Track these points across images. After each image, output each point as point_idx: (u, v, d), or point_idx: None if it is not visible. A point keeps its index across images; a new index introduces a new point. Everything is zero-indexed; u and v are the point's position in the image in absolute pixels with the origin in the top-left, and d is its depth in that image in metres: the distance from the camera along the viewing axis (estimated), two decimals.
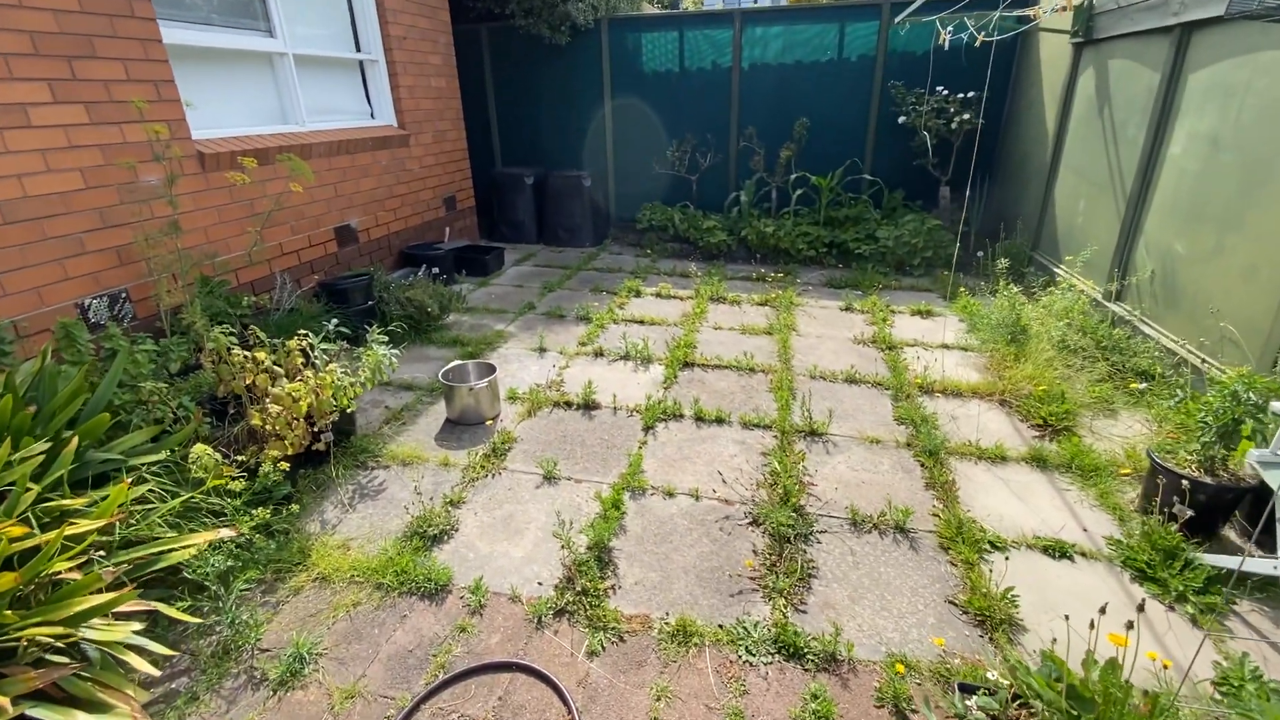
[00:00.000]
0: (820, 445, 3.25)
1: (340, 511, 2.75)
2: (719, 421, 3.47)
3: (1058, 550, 2.50)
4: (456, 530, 2.64)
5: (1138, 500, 2.77)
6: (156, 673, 1.78)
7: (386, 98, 5.80)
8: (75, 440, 2.06)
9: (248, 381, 2.59)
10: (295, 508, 2.48)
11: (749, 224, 6.72)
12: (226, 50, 4.26)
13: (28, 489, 1.88)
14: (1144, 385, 3.53)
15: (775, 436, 3.32)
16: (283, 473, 2.56)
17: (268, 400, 2.56)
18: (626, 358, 4.26)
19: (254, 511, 2.31)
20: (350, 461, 3.07)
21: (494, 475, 3.00)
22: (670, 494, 2.86)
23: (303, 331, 2.85)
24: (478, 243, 7.08)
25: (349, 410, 2.91)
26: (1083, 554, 2.50)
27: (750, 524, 2.68)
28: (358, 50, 5.53)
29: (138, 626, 1.86)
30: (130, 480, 2.18)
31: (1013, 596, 2.21)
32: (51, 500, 1.94)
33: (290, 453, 2.61)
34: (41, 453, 1.99)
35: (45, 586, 1.73)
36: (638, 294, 5.62)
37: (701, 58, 7.09)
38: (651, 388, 3.85)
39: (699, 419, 3.49)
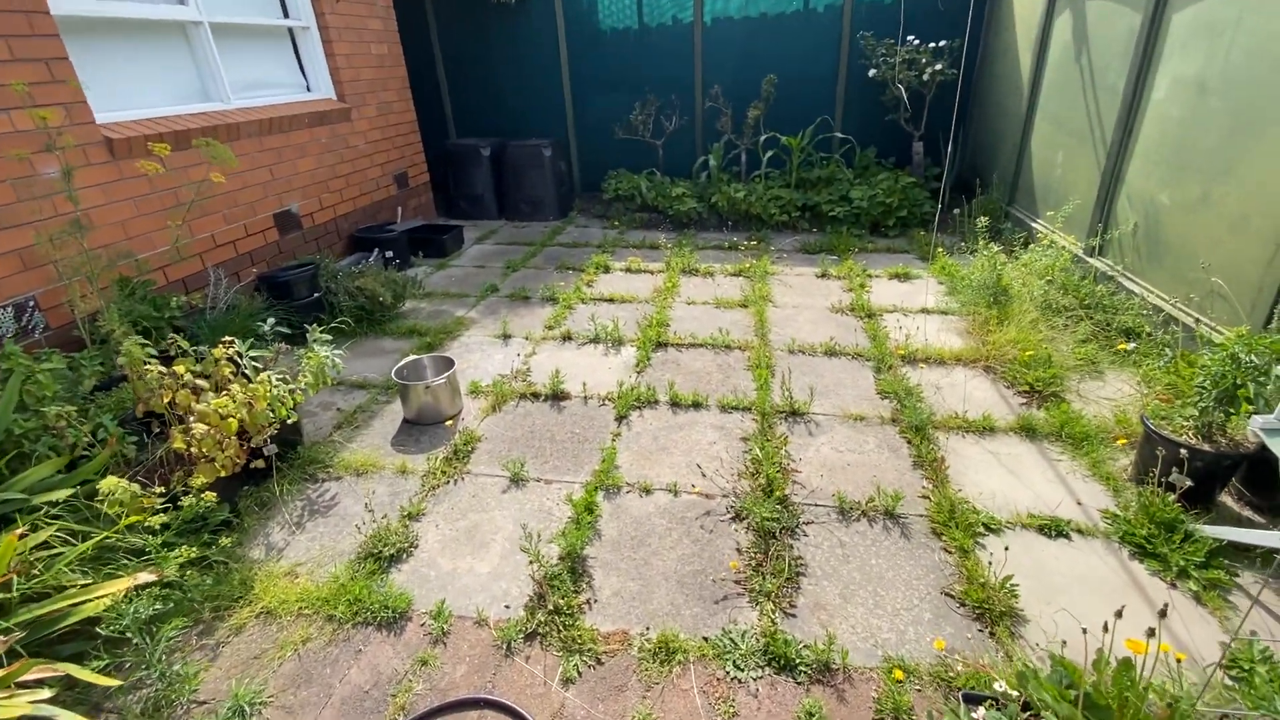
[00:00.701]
0: (802, 426, 3.08)
1: (287, 533, 2.52)
2: (696, 406, 3.28)
3: (1054, 529, 2.38)
4: (416, 547, 2.43)
5: (1131, 469, 2.67)
6: None
7: (322, 68, 5.34)
8: None
9: (166, 400, 2.31)
10: (226, 542, 2.24)
11: (719, 189, 6.45)
12: (131, 20, 3.81)
13: None
14: (1132, 345, 3.42)
15: (755, 419, 3.14)
16: (217, 497, 2.31)
17: (192, 419, 2.29)
18: (596, 340, 4.03)
19: (181, 548, 2.06)
20: (298, 474, 2.82)
21: (456, 481, 2.79)
22: (647, 490, 2.68)
23: (228, 339, 2.55)
24: (435, 221, 6.71)
25: (290, 420, 2.65)
26: (1079, 531, 2.39)
27: (733, 519, 2.51)
28: (285, 16, 5.05)
29: (47, 694, 1.63)
30: (28, 526, 1.92)
31: (1012, 586, 2.09)
32: None
33: (223, 475, 2.35)
34: None
35: None
36: (606, 269, 5.35)
37: (661, 12, 6.69)
38: (624, 372, 3.64)
39: (675, 404, 3.30)
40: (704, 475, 2.75)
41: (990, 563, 2.22)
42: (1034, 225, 5.02)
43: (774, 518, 2.44)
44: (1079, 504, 2.53)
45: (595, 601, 2.18)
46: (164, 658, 1.92)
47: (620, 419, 3.19)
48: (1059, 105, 4.82)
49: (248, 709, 1.83)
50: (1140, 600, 2.09)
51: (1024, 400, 3.24)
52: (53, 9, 3.25)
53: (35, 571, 1.83)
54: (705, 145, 7.09)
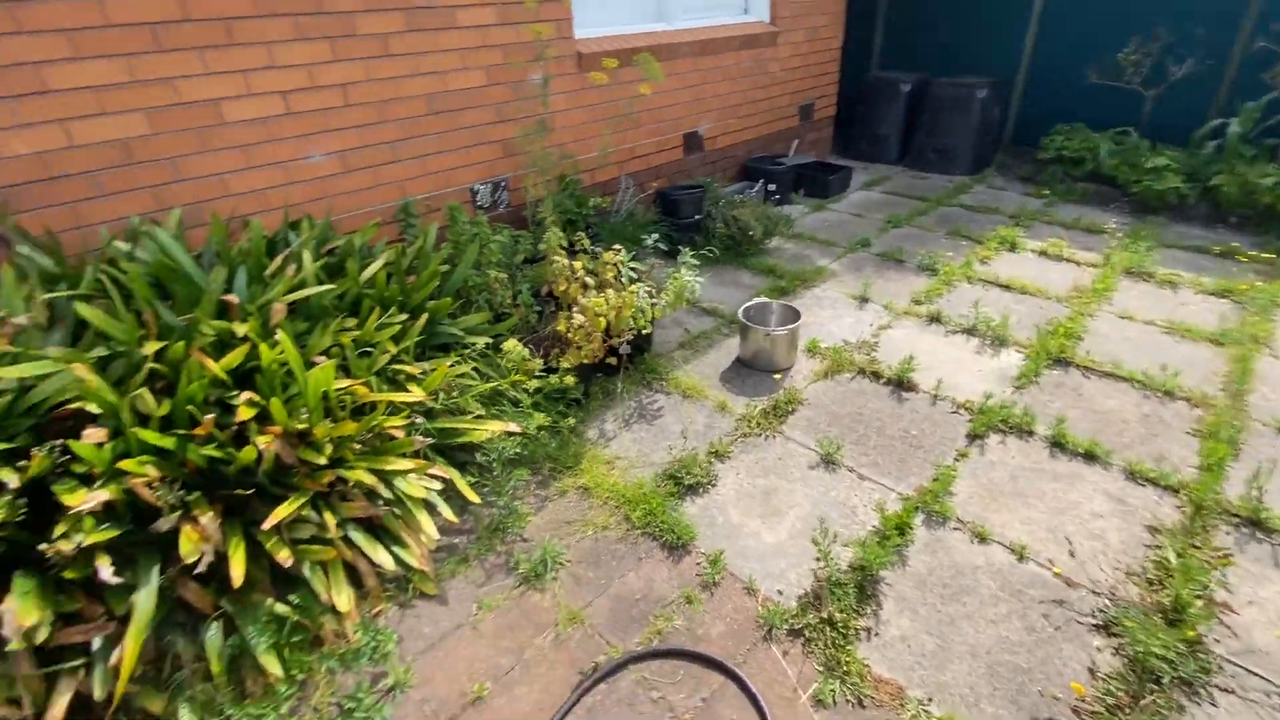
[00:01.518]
0: (1265, 548, 2.08)
1: (618, 426, 2.81)
2: (1089, 457, 2.49)
3: None
4: (713, 486, 2.45)
5: None
6: (435, 536, 2.06)
7: None
8: (425, 317, 2.41)
9: (561, 289, 2.71)
10: (571, 421, 2.60)
11: (1230, 167, 4.56)
12: None
13: (385, 352, 2.27)
14: None
15: (1182, 509, 2.24)
16: (576, 379, 2.67)
17: (575, 310, 2.65)
18: (971, 332, 3.37)
19: (540, 414, 2.47)
20: (638, 379, 3.10)
21: (767, 437, 2.70)
22: (982, 538, 2.17)
23: (617, 246, 2.85)
24: (826, 159, 6.39)
25: (645, 331, 2.89)
26: None
27: (1096, 628, 1.87)
28: None
29: (438, 486, 2.16)
30: (457, 359, 2.50)
31: None
32: (402, 363, 2.33)
33: (586, 362, 2.71)
34: (399, 323, 2.39)
35: (376, 438, 2.10)
36: (1012, 247, 4.38)
37: None
38: (997, 381, 2.97)
39: (1057, 445, 2.57)
40: (1072, 554, 2.09)
41: None
42: None
43: (1168, 657, 1.72)
44: None
45: (875, 634, 1.89)
46: (510, 493, 2.37)
47: (974, 438, 2.63)
48: None
49: (550, 563, 2.14)
50: None
51: None
52: None
53: (453, 394, 2.40)
54: (1230, 104, 5.03)
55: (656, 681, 1.80)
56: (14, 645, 1.44)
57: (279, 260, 2.48)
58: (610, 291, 2.62)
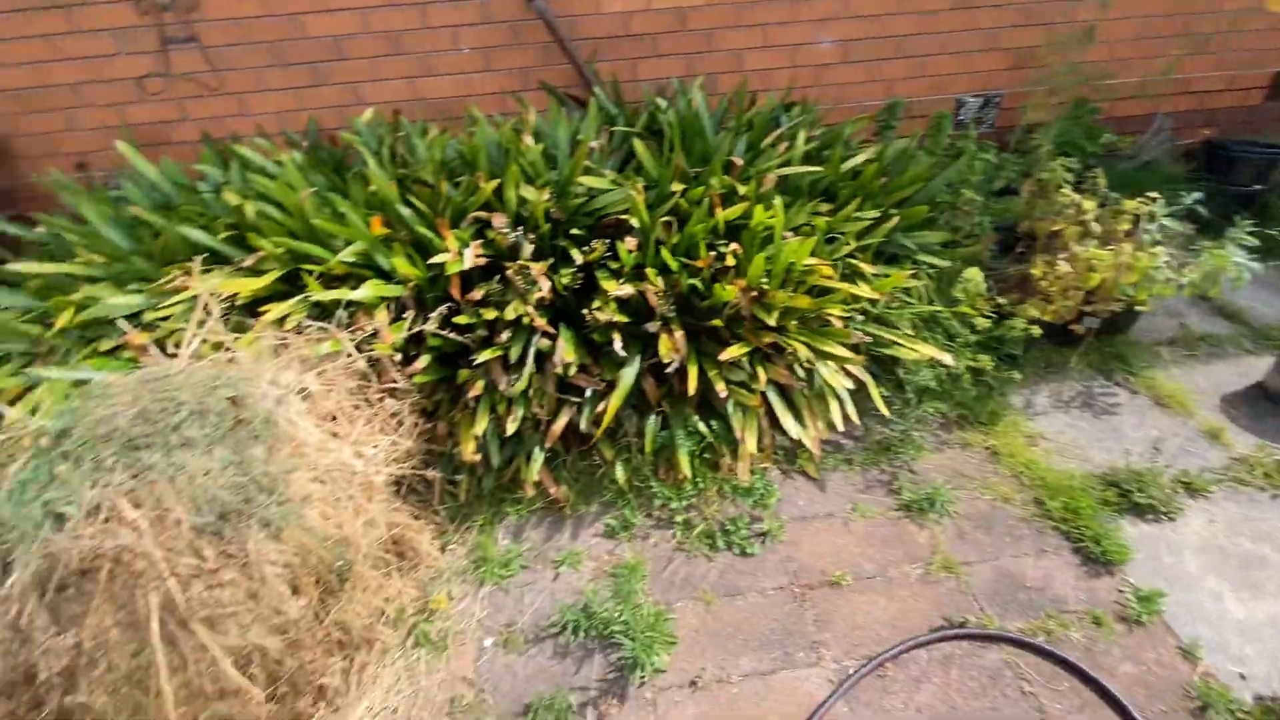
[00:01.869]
0: None
1: (1051, 403, 2.43)
2: None
3: None
4: (1171, 519, 1.96)
5: None
6: (839, 426, 2.13)
7: None
8: (895, 221, 2.35)
9: (1053, 228, 2.32)
10: (1016, 375, 2.31)
11: None
12: None
13: (848, 244, 2.30)
14: None
15: None
16: (1041, 332, 2.33)
17: (1061, 256, 2.26)
18: None
19: (984, 356, 2.26)
20: (1097, 360, 2.57)
21: (1276, 496, 2.00)
22: None
23: (1152, 194, 2.27)
24: None
25: (1137, 309, 2.33)
26: None
27: None
28: None
29: (851, 385, 2.20)
30: (912, 272, 2.41)
31: None
32: (856, 259, 2.35)
33: (1048, 319, 2.34)
34: (870, 219, 2.37)
35: (816, 319, 2.20)
36: None
37: None
38: None
39: None
40: None
41: None
42: None
43: None
44: None
45: None
46: (915, 420, 2.29)
47: None
48: None
49: (937, 504, 2.04)
50: None
51: None
52: None
53: (892, 305, 2.35)
54: None
55: (1032, 676, 1.62)
56: (557, 370, 2.02)
57: (774, 136, 2.67)
58: (1127, 245, 2.14)
